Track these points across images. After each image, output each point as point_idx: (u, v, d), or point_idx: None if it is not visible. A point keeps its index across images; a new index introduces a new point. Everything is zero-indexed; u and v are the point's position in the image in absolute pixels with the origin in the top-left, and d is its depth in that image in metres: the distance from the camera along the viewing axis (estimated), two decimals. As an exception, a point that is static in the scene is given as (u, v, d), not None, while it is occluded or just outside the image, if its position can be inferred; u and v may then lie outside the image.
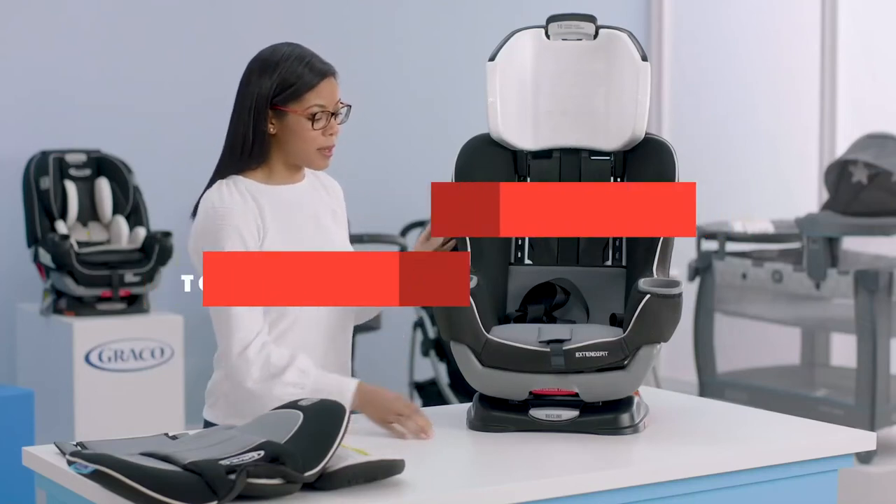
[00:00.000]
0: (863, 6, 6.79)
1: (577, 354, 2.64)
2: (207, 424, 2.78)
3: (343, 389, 2.66)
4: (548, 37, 2.89)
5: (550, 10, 2.98)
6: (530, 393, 2.69)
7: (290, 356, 2.67)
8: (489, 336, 2.68)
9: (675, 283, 2.66)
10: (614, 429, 2.66)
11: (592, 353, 2.64)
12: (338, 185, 2.95)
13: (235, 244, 2.69)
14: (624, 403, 2.70)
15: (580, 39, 2.88)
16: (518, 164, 2.93)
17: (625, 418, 2.68)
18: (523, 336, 2.70)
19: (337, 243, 2.85)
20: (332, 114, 2.76)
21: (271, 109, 2.74)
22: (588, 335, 2.67)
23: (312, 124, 2.74)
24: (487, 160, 2.91)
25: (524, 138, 2.91)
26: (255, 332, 2.68)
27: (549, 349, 2.64)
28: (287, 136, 2.75)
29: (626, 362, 2.65)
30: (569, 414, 2.68)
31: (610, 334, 2.67)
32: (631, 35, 2.86)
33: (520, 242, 2.96)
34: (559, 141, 2.92)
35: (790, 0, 7.23)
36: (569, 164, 2.92)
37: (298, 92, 2.73)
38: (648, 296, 2.62)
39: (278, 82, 2.72)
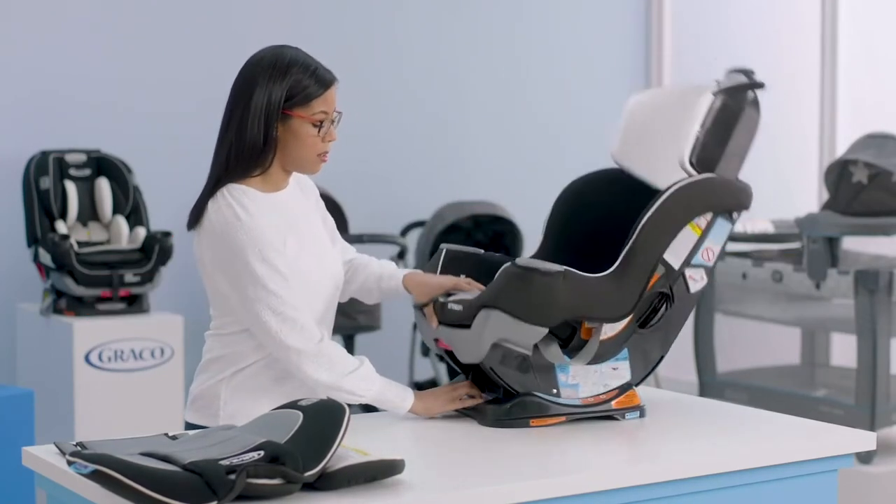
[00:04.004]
0: (863, 6, 6.78)
1: (449, 306, 2.80)
2: (189, 427, 2.78)
3: (406, 396, 2.83)
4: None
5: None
6: (435, 342, 2.88)
7: (358, 359, 2.76)
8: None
9: (547, 268, 2.68)
10: (507, 419, 2.75)
11: (453, 307, 2.79)
12: (310, 181, 2.95)
13: (276, 259, 2.68)
14: (515, 397, 2.77)
15: None
16: None
17: (515, 409, 2.75)
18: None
19: (327, 244, 2.87)
20: (332, 120, 2.78)
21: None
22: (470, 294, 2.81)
23: (318, 130, 2.74)
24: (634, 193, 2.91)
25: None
26: (320, 331, 2.72)
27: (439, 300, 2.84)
28: (290, 140, 2.75)
29: (470, 322, 2.74)
30: (476, 402, 2.84)
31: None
32: (722, 90, 2.85)
33: None
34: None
35: (790, 0, 7.22)
36: None
37: (308, 98, 2.72)
38: (508, 263, 2.73)
39: (288, 88, 2.71)
